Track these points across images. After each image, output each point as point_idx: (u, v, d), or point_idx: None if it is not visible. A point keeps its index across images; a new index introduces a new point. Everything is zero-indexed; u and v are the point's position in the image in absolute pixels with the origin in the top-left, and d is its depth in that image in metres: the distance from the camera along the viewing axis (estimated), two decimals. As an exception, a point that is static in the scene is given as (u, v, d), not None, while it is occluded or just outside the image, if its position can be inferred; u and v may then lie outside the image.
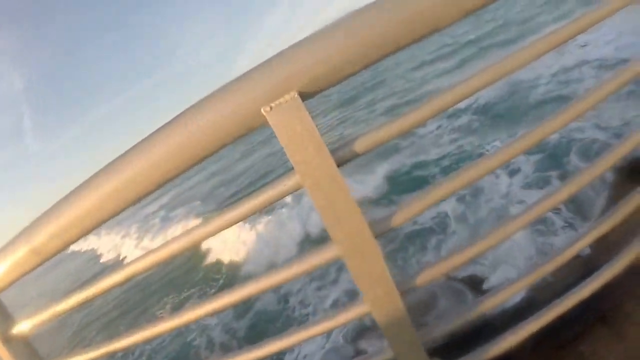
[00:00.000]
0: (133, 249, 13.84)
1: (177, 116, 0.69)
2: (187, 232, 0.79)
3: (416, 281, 0.84)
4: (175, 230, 12.21)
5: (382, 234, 0.76)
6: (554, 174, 4.91)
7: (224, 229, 0.77)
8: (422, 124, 0.72)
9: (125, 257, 13.82)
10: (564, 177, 4.56)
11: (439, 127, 8.81)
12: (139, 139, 0.71)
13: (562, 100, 6.90)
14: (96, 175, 0.72)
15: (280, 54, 0.67)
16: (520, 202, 4.83)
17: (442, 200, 0.77)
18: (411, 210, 0.77)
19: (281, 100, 0.66)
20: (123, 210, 0.74)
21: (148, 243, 13.41)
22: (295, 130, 0.67)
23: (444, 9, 0.68)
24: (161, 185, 0.71)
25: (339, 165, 0.70)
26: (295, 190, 0.72)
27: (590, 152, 4.85)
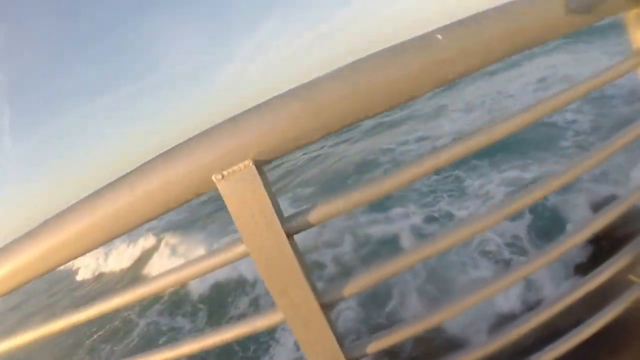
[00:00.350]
0: (89, 260, 13.12)
1: (125, 176, 0.65)
2: (131, 288, 0.76)
3: (366, 349, 0.82)
4: (137, 244, 11.56)
5: (332, 305, 0.74)
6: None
7: (165, 289, 0.73)
8: (378, 199, 0.70)
9: (79, 268, 13.09)
10: (536, 212, 4.58)
11: (420, 146, 8.90)
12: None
13: (544, 125, 6.89)
14: (27, 233, 0.68)
15: (235, 120, 0.63)
16: (491, 228, 4.79)
17: (398, 274, 0.75)
18: (365, 281, 0.75)
19: (234, 168, 0.63)
20: (59, 266, 0.70)
21: (105, 256, 12.56)
22: (246, 201, 0.64)
23: (405, 85, 0.66)
24: (102, 244, 0.68)
25: (290, 235, 0.68)
26: (242, 258, 0.69)
27: (570, 189, 4.81)
